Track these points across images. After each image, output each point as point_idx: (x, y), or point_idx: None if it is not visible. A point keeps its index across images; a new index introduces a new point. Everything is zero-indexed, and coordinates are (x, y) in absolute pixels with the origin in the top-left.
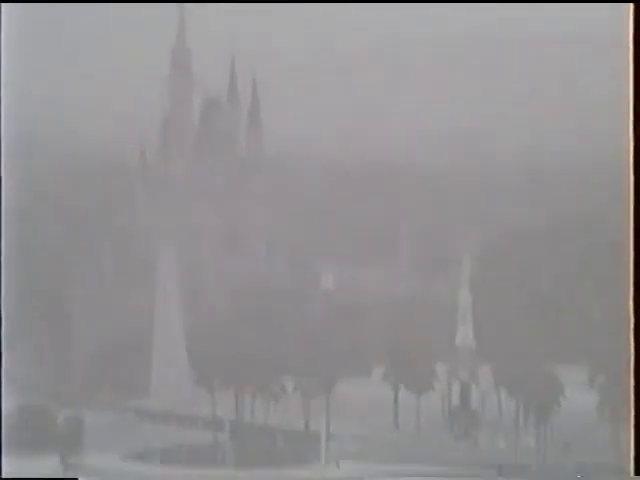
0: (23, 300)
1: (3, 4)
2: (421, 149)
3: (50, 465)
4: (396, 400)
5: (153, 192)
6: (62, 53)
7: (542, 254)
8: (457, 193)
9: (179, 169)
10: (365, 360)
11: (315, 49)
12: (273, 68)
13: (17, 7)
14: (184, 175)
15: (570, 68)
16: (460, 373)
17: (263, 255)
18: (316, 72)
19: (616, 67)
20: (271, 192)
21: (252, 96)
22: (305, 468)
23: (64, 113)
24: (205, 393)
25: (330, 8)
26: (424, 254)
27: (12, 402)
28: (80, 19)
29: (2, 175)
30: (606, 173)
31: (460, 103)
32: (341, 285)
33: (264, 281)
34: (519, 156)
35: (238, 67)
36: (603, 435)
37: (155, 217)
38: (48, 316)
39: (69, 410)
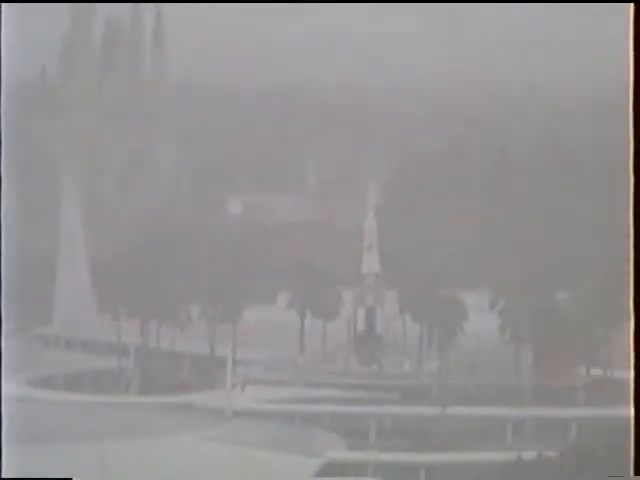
0: None
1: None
2: (328, 72)
3: None
4: (302, 326)
5: (55, 113)
6: None
7: (447, 178)
8: (363, 116)
9: (82, 90)
10: (271, 286)
11: None
12: None
13: None
14: (87, 96)
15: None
16: (366, 299)
17: (168, 180)
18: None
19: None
20: (176, 115)
21: (156, 18)
22: (211, 393)
23: None
24: (110, 320)
25: None
26: (331, 179)
27: None
28: None
29: None
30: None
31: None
32: (247, 211)
33: (170, 207)
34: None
35: None
36: (504, 357)
37: (58, 138)
38: None
39: None
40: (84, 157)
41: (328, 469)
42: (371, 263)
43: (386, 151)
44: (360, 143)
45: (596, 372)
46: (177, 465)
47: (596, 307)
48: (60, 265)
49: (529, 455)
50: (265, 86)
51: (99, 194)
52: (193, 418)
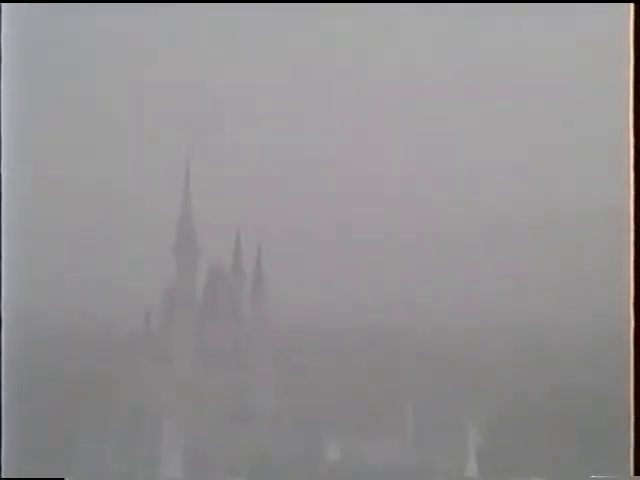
0: None
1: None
2: (430, 320)
3: None
4: None
5: (157, 360)
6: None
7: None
8: (456, 364)
9: (183, 337)
10: None
11: (320, 217)
12: (278, 238)
13: None
14: (188, 343)
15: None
16: None
17: (268, 425)
18: (321, 242)
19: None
20: (275, 361)
21: (256, 265)
22: None
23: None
24: None
25: (334, 178)
26: (429, 425)
27: None
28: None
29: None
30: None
31: None
32: (347, 456)
33: (270, 451)
34: None
35: (243, 237)
36: None
37: (159, 385)
38: None
39: None
40: (185, 402)
41: None
42: None
43: (487, 392)
44: (460, 386)
45: None
46: None
47: None
48: None
49: None
50: (364, 334)
51: (198, 437)
52: None
